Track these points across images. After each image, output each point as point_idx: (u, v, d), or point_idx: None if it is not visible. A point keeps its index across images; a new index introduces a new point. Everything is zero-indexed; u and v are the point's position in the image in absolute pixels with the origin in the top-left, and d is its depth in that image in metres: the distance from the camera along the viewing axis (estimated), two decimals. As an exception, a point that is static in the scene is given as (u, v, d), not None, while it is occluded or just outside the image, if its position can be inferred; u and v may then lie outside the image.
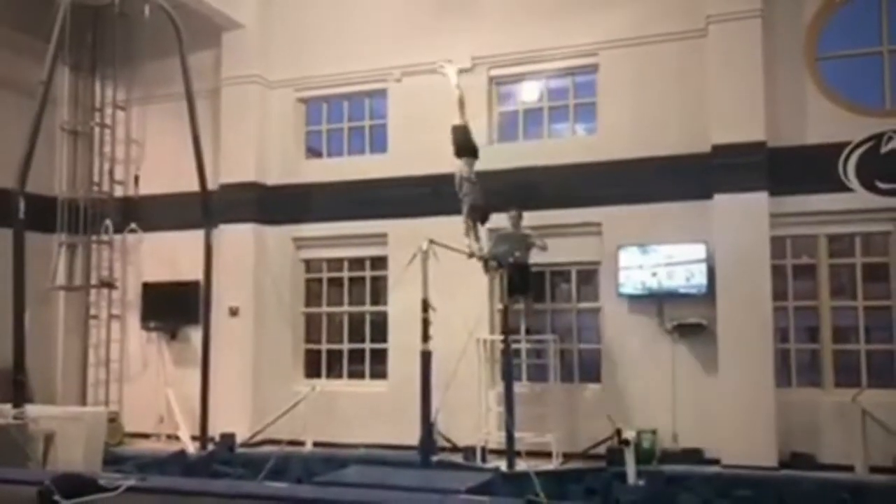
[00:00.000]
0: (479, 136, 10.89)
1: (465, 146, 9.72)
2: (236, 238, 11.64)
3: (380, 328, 11.38)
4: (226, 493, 4.49)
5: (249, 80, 11.81)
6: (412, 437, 9.53)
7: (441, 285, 9.28)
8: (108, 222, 12.08)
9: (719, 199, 9.49)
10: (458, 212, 9.98)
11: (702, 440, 9.46)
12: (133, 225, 12.17)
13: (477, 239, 9.79)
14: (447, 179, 10.61)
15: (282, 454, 8.72)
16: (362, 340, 11.58)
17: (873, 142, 9.33)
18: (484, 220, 9.90)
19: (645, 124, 10.14)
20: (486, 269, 9.87)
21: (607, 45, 10.40)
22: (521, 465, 9.00)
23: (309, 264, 12.04)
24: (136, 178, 12.41)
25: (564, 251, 10.36)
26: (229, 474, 8.63)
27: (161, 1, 10.77)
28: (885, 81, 9.54)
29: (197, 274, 11.28)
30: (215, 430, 10.92)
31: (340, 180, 11.50)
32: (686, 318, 9.67)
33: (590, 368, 10.41)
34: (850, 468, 8.83)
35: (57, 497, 3.72)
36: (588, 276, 10.65)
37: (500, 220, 10.18)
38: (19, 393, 8.87)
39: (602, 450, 9.63)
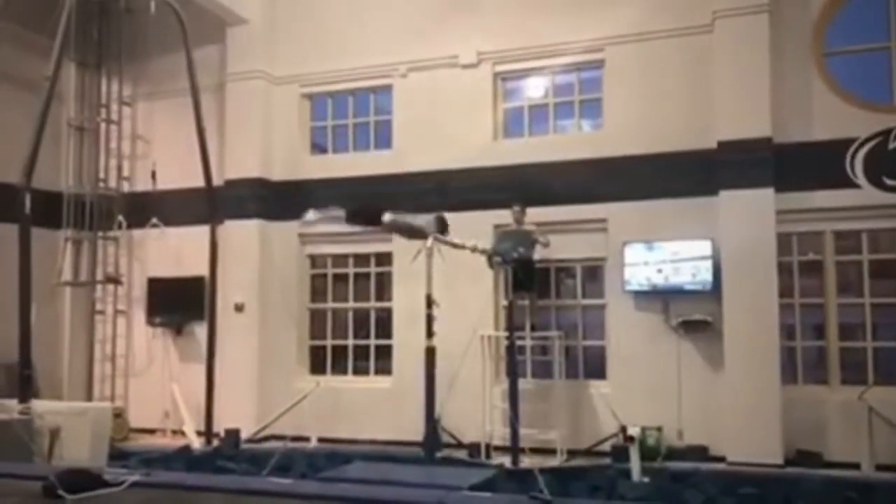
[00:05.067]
0: (484, 131, 10.93)
1: None
2: (241, 234, 11.65)
3: (384, 324, 11.38)
4: (230, 488, 4.49)
5: (254, 76, 11.81)
6: (416, 433, 9.56)
7: (445, 281, 9.27)
8: (120, 218, 12.10)
9: (725, 195, 9.46)
10: (459, 207, 9.97)
11: (707, 437, 9.44)
12: (154, 220, 12.17)
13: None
14: (452, 175, 10.61)
15: (286, 450, 8.73)
16: (367, 336, 11.58)
17: (881, 138, 9.28)
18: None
19: (651, 120, 10.09)
20: (490, 264, 9.86)
21: (613, 40, 10.35)
22: (526, 461, 9.00)
23: (314, 260, 12.04)
24: (154, 174, 12.39)
25: (570, 247, 10.33)
26: (234, 470, 8.63)
27: (166, -4, 10.78)
28: (893, 77, 9.48)
29: (202, 269, 11.31)
30: (220, 425, 10.94)
31: (345, 176, 11.49)
32: (691, 315, 9.64)
33: (595, 365, 10.38)
34: (856, 466, 8.80)
35: (61, 492, 3.73)
36: (593, 272, 10.60)
37: (503, 216, 10.19)
38: (25, 388, 8.92)
39: (607, 447, 9.61)
